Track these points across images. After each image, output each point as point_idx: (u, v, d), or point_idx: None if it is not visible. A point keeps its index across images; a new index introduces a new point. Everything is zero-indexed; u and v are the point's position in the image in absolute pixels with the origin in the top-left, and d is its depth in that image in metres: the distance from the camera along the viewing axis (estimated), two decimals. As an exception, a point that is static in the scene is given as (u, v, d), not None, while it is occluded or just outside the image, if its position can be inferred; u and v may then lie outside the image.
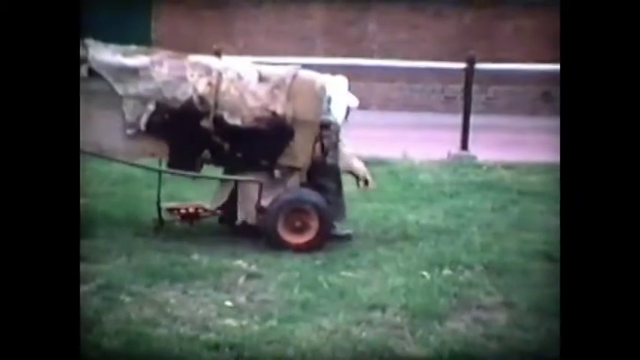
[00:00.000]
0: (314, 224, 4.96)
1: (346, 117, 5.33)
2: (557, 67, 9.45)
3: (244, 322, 3.79)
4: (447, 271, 4.60)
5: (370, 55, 9.98)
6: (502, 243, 5.16)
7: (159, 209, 5.17)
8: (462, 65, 8.24)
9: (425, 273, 4.57)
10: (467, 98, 8.25)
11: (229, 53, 8.26)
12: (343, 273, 4.56)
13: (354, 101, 5.38)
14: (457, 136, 8.18)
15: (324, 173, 5.12)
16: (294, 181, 5.07)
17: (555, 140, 8.31)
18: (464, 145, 8.18)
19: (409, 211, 5.98)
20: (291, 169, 5.06)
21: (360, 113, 8.83)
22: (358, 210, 5.82)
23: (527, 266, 4.73)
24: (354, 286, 4.34)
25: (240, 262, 4.68)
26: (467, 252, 4.93)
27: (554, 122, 10.60)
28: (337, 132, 5.15)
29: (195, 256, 4.75)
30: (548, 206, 6.15)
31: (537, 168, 7.50)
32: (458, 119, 8.25)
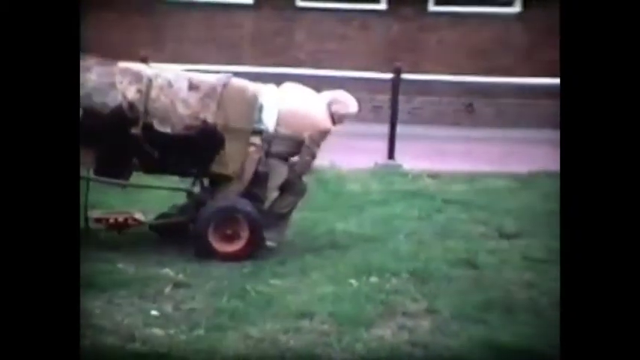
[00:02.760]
0: (244, 233, 4.97)
1: (341, 122, 5.45)
2: (478, 79, 9.75)
3: (171, 332, 3.77)
4: (374, 279, 4.67)
5: (298, 65, 10.04)
6: (427, 251, 5.27)
7: (86, 218, 5.08)
8: (388, 76, 8.39)
9: (352, 281, 4.63)
10: (393, 108, 8.40)
11: (157, 60, 8.19)
12: (271, 281, 4.59)
13: (353, 106, 5.50)
14: (384, 145, 8.32)
15: (256, 182, 5.14)
16: (228, 189, 5.07)
17: (476, 149, 8.42)
18: (390, 154, 8.31)
19: (337, 220, 6.04)
20: (224, 177, 5.06)
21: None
22: (287, 218, 5.85)
23: (450, 273, 4.85)
24: (282, 294, 4.37)
25: (167, 271, 4.65)
26: (393, 260, 5.02)
27: (477, 133, 10.79)
28: (269, 140, 5.18)
29: (121, 265, 4.69)
30: (470, 215, 6.32)
31: (460, 177, 7.68)
32: (385, 128, 8.38)
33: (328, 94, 5.52)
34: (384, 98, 8.85)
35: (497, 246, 5.51)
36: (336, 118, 5.43)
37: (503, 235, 5.75)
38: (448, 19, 11.04)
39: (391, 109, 8.47)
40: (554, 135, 11.78)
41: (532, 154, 8.84)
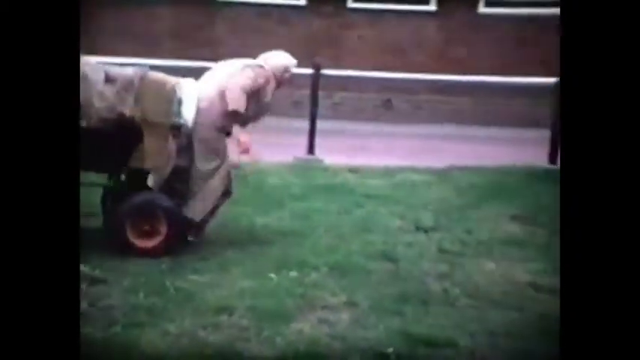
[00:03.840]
0: (163, 229, 4.92)
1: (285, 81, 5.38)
2: (396, 75, 9.90)
3: (88, 330, 3.71)
4: (293, 273, 4.71)
5: (219, 59, 9.97)
6: (346, 245, 5.34)
7: None
8: (308, 71, 8.42)
9: (272, 275, 4.65)
10: (313, 103, 8.45)
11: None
12: (191, 277, 4.56)
13: (289, 58, 5.43)
14: (305, 140, 8.36)
15: (176, 177, 5.09)
16: (146, 184, 5.00)
17: (395, 144, 8.52)
18: (310, 149, 8.36)
19: (258, 214, 6.05)
20: (143, 172, 4.99)
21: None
22: (206, 213, 5.82)
23: (369, 266, 4.93)
24: (201, 289, 4.35)
25: (82, 267, 4.56)
26: (313, 254, 5.06)
27: (395, 128, 10.95)
28: (188, 134, 5.13)
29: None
30: (388, 209, 6.42)
31: (379, 172, 7.80)
32: (305, 124, 8.42)
33: (261, 58, 5.45)
34: (305, 93, 8.88)
35: (414, 239, 5.63)
36: (278, 77, 5.35)
37: (420, 229, 5.88)
38: (367, 15, 11.16)
39: (311, 104, 8.51)
40: (470, 131, 12.14)
41: (448, 149, 9.05)
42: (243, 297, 4.25)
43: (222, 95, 5.18)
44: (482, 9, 11.26)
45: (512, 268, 5.00)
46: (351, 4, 11.30)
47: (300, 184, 7.20)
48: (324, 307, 4.23)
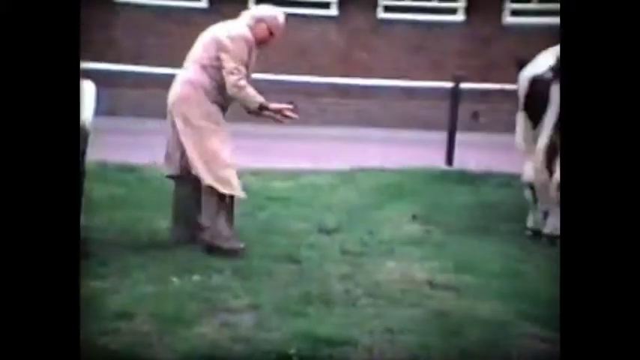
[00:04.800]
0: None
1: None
2: (300, 78, 10.00)
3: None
4: (196, 277, 4.69)
5: (118, 61, 9.82)
6: (250, 247, 5.36)
7: None
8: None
9: (175, 279, 4.63)
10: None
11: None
12: (91, 283, 4.48)
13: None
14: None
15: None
16: None
17: (299, 147, 8.60)
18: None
19: (160, 218, 5.98)
20: None
21: (111, 120, 8.67)
22: (107, 217, 5.73)
23: (272, 268, 4.96)
24: (101, 295, 4.29)
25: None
26: (216, 257, 5.06)
27: (299, 130, 11.02)
28: (85, 138, 5.03)
29: None
30: (291, 211, 6.49)
31: (282, 175, 7.85)
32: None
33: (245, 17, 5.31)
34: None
35: (317, 241, 5.70)
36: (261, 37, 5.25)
37: (323, 230, 5.96)
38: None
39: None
40: (372, 133, 12.37)
41: (351, 152, 9.20)
42: (144, 302, 4.21)
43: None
44: (382, 14, 11.51)
45: (411, 267, 5.14)
46: (253, 7, 11.32)
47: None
48: (226, 311, 4.24)
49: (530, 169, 5.99)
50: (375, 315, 4.28)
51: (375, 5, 11.44)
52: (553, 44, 6.12)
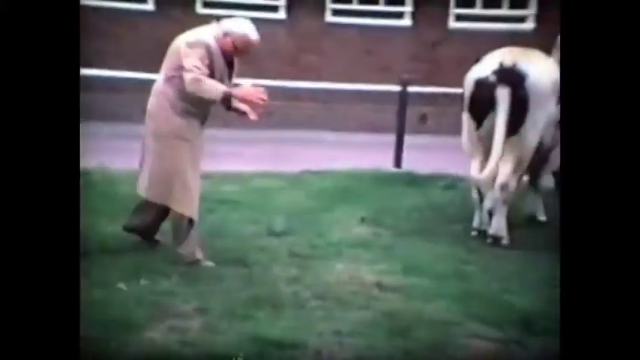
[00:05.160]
0: None
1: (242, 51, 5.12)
2: (250, 81, 9.93)
3: None
4: (144, 282, 4.66)
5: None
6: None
7: None
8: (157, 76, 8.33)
9: (122, 285, 4.58)
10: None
11: None
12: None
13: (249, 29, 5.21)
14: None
15: None
16: None
17: (247, 150, 8.59)
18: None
19: (108, 223, 5.92)
20: None
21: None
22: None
23: (221, 272, 4.96)
24: (47, 302, 4.23)
25: None
26: (164, 261, 5.03)
27: (247, 134, 10.97)
28: None
29: None
30: (241, 214, 6.48)
31: (232, 178, 7.84)
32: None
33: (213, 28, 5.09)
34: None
35: (267, 244, 5.71)
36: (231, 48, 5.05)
37: (272, 233, 5.97)
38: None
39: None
40: (321, 136, 12.38)
41: (300, 155, 9.22)
42: (92, 308, 4.16)
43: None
44: (330, 18, 11.57)
45: (360, 269, 5.19)
46: (200, 10, 11.28)
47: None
48: (175, 315, 4.22)
49: (476, 169, 6.10)
50: (323, 317, 4.31)
51: (323, 9, 11.49)
52: (497, 47, 6.29)
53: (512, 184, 6.01)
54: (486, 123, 5.94)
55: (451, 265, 5.38)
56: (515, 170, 5.98)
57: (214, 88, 4.92)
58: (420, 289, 4.85)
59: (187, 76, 4.88)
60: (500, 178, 5.95)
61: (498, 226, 6.02)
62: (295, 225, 6.20)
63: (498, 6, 11.62)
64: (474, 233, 6.22)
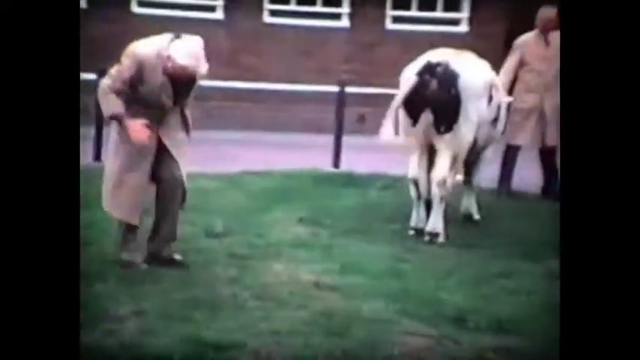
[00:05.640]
0: None
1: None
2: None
3: None
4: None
5: None
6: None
7: None
8: (93, 77, 8.22)
9: (56, 288, 4.51)
10: (98, 110, 8.26)
11: None
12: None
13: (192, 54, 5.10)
14: (90, 146, 8.18)
15: None
16: None
17: (187, 152, 8.51)
18: (97, 156, 8.21)
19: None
20: None
21: None
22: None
23: (158, 274, 4.92)
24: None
25: None
26: (100, 263, 4.97)
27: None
28: None
29: None
30: (180, 215, 6.41)
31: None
32: (92, 130, 8.23)
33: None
34: (90, 101, 8.63)
35: (205, 245, 5.69)
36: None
37: (211, 234, 5.94)
38: (154, 22, 11.02)
39: (96, 110, 8.31)
40: (260, 136, 12.39)
41: (239, 155, 9.20)
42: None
43: None
44: (268, 18, 11.57)
45: (298, 269, 5.21)
46: (136, 10, 11.15)
47: (84, 192, 6.98)
48: (111, 319, 4.17)
49: (414, 165, 6.23)
50: (262, 317, 4.32)
51: (261, 9, 11.48)
52: (432, 49, 6.45)
53: (449, 181, 6.16)
54: (422, 120, 6.08)
55: (388, 264, 5.45)
56: (451, 167, 6.13)
57: (108, 105, 4.95)
58: (357, 288, 4.90)
59: (101, 81, 5.03)
60: (437, 175, 6.07)
61: (435, 223, 6.13)
62: (234, 226, 6.18)
63: (433, 9, 11.81)
64: (411, 232, 6.31)
